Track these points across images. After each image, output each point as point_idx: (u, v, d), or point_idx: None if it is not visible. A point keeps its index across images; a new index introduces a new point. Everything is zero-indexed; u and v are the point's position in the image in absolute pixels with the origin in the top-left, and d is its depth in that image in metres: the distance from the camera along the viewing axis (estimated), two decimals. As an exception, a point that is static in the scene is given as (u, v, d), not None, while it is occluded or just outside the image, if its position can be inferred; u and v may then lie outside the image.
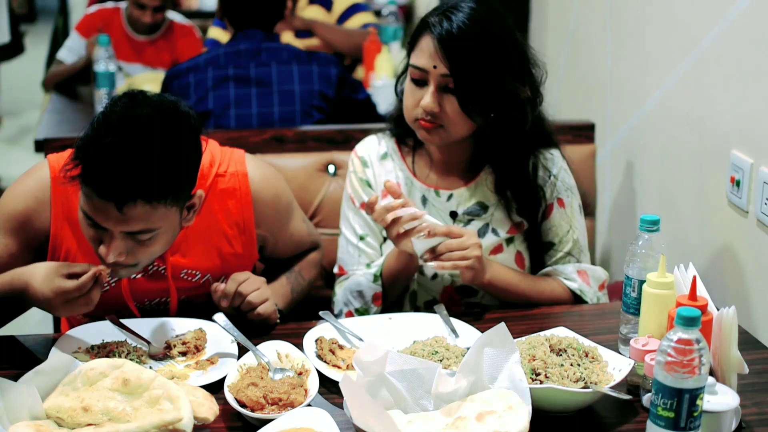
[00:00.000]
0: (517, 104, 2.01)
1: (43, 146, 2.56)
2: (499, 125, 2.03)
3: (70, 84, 4.14)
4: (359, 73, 4.38)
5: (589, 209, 2.63)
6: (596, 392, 1.59)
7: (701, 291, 1.67)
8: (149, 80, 3.82)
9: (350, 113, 3.18)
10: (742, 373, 1.65)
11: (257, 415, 1.56)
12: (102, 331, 1.85)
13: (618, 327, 1.85)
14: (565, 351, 1.68)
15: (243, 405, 1.58)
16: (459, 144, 2.09)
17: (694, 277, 1.65)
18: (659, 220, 1.78)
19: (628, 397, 1.59)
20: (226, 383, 1.64)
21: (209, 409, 1.52)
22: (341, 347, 1.82)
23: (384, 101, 3.20)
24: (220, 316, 1.85)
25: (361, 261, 2.17)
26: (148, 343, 1.83)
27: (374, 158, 2.20)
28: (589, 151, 2.69)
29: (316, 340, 1.83)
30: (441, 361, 1.72)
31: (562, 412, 1.61)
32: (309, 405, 1.59)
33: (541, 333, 1.78)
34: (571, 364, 1.64)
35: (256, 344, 1.78)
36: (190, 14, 5.11)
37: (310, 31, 4.11)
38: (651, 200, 2.63)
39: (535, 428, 1.49)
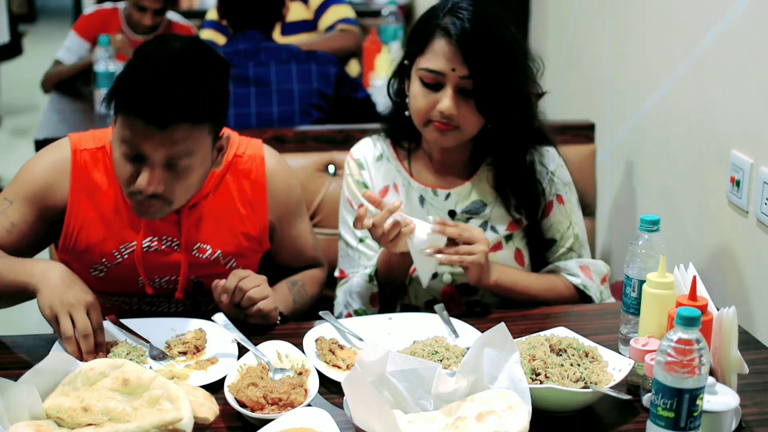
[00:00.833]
0: (528, 101, 2.04)
1: (43, 146, 2.55)
2: (509, 123, 2.04)
3: (70, 84, 4.14)
4: (352, 67, 4.36)
5: (589, 209, 2.63)
6: (596, 392, 1.59)
7: (701, 291, 1.67)
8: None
9: (349, 112, 3.18)
10: (742, 373, 1.65)
11: (257, 415, 1.56)
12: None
13: (618, 327, 1.85)
14: (565, 351, 1.68)
15: (243, 405, 1.58)
16: (460, 143, 2.09)
17: (694, 277, 1.65)
18: (659, 220, 1.78)
19: (628, 397, 1.59)
20: (226, 383, 1.64)
21: (209, 409, 1.52)
22: (341, 347, 1.82)
23: (384, 101, 3.20)
24: (219, 316, 1.85)
25: (361, 263, 2.17)
26: (148, 343, 1.83)
27: (370, 160, 2.20)
28: (589, 151, 2.69)
29: (316, 340, 1.83)
30: (441, 361, 1.72)
31: (562, 412, 1.61)
32: (309, 405, 1.59)
33: (541, 333, 1.78)
34: (571, 364, 1.64)
35: (256, 344, 1.78)
36: (189, 14, 5.10)
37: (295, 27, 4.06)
38: (651, 200, 2.63)
39: (535, 428, 1.49)
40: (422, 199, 2.15)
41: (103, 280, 1.99)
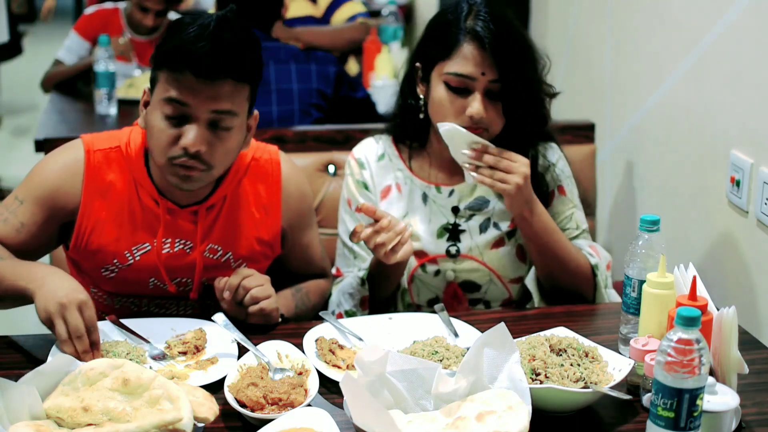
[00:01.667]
0: (544, 101, 2.08)
1: (43, 146, 2.56)
2: (528, 122, 2.06)
3: (70, 84, 4.14)
4: (351, 66, 4.35)
5: (589, 209, 2.63)
6: (596, 392, 1.59)
7: (701, 291, 1.67)
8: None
9: (349, 111, 3.18)
10: (742, 373, 1.65)
11: (257, 415, 1.56)
12: (102, 331, 1.84)
13: (618, 327, 1.85)
14: (565, 351, 1.68)
15: (243, 405, 1.58)
16: None
17: (694, 277, 1.65)
18: (659, 220, 1.78)
19: (628, 397, 1.59)
20: (226, 383, 1.64)
21: (209, 409, 1.52)
22: (341, 347, 1.82)
23: (383, 101, 3.20)
24: (220, 316, 1.85)
25: (357, 263, 2.17)
26: (149, 343, 1.83)
27: (371, 159, 2.20)
28: (589, 151, 2.69)
29: (316, 340, 1.83)
30: (441, 361, 1.72)
31: (562, 412, 1.61)
32: (309, 405, 1.59)
33: (541, 333, 1.78)
34: (571, 364, 1.64)
35: (256, 344, 1.78)
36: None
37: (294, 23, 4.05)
38: (651, 200, 2.63)
39: (535, 428, 1.49)
40: (425, 197, 2.15)
41: (113, 281, 1.99)
